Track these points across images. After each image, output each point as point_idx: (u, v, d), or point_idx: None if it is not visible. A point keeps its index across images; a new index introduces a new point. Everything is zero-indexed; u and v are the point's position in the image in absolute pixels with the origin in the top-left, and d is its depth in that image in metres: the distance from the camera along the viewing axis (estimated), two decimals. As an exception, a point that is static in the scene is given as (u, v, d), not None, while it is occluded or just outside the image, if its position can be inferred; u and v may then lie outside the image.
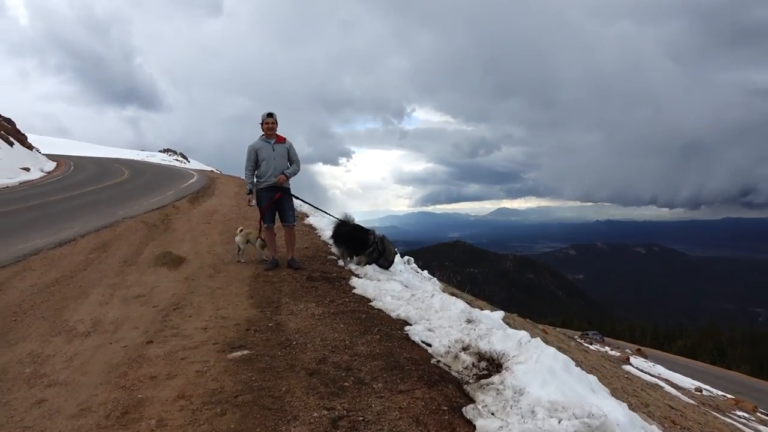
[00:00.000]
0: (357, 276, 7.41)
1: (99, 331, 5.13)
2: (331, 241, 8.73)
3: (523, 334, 4.60)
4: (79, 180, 28.68)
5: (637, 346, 41.24)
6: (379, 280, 7.19)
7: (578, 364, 11.53)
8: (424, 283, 8.88)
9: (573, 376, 4.03)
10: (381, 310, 5.87)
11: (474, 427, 3.41)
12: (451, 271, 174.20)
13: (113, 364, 4.26)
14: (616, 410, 3.45)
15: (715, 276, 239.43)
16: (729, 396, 22.75)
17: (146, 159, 70.83)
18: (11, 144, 40.20)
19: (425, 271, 14.31)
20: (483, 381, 4.18)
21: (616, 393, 11.83)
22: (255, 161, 7.73)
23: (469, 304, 12.59)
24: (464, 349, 4.73)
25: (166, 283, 6.98)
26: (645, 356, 31.67)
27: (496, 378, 4.14)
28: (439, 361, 4.54)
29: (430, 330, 5.18)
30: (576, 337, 27.99)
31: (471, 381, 4.25)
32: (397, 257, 9.01)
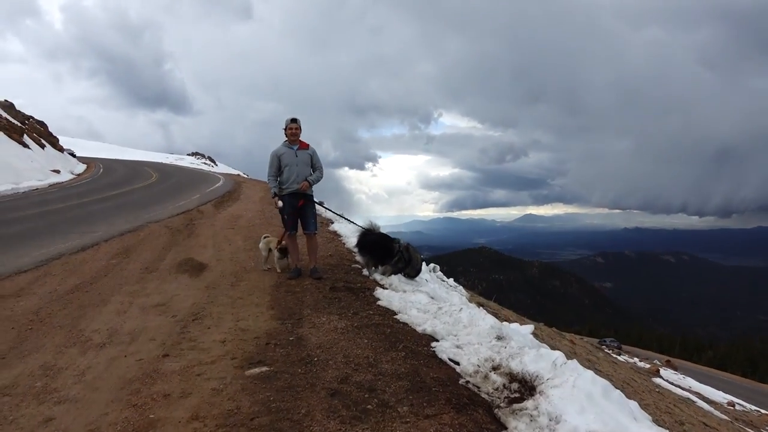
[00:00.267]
0: (382, 287, 7.16)
1: (114, 342, 4.97)
2: (355, 250, 8.50)
3: (557, 355, 4.31)
4: (107, 183, 29.00)
5: (666, 357, 40.45)
6: (404, 291, 6.95)
7: (608, 378, 11.18)
8: (450, 294, 8.59)
9: (613, 402, 3.74)
10: (406, 324, 5.61)
11: (507, 458, 3.16)
12: (476, 278, 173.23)
13: (126, 380, 4.08)
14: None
15: (746, 286, 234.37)
16: (763, 411, 22.05)
17: (175, 162, 71.69)
18: (43, 146, 40.87)
19: (451, 279, 14.03)
20: (515, 406, 3.91)
21: (648, 409, 11.42)
22: (278, 167, 7.59)
23: (495, 313, 12.31)
24: (494, 368, 4.46)
25: (187, 291, 6.83)
26: (675, 368, 30.98)
27: (529, 403, 3.87)
28: (468, 382, 4.28)
29: (457, 347, 4.92)
30: (594, 343, 27.39)
31: (502, 405, 3.99)
32: (423, 266, 8.75)
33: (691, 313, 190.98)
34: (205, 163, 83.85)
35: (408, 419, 3.39)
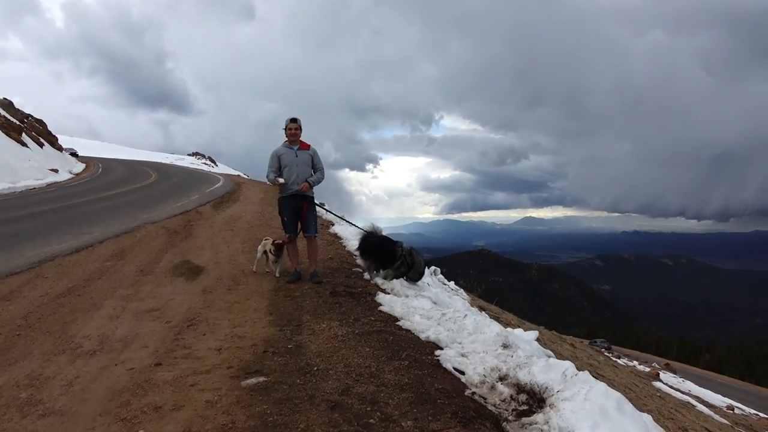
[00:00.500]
0: (383, 291, 6.97)
1: (105, 349, 4.77)
2: (356, 253, 8.31)
3: (567, 365, 4.12)
4: (106, 182, 28.80)
5: (665, 361, 40.34)
6: (407, 296, 6.76)
7: (610, 383, 11.00)
8: (453, 299, 8.42)
9: (627, 416, 3.56)
10: (409, 330, 5.41)
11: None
12: (476, 280, 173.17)
13: (116, 390, 3.87)
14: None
15: (743, 289, 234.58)
16: (762, 415, 21.95)
17: (175, 162, 71.53)
18: (41, 145, 40.68)
19: (452, 282, 13.88)
20: (524, 419, 3.73)
21: (652, 415, 11.26)
22: (278, 167, 7.42)
23: (496, 317, 12.13)
24: (501, 379, 4.28)
25: (182, 295, 6.61)
26: (674, 371, 30.86)
27: (539, 417, 3.68)
28: (474, 393, 4.09)
29: (462, 355, 4.73)
30: (585, 344, 27.27)
31: (510, 418, 3.80)
32: (425, 269, 8.56)
33: (689, 316, 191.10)
34: (205, 164, 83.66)
35: (412, 435, 3.21)
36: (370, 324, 5.50)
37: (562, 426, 3.43)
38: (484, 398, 4.06)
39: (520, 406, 3.95)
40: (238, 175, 53.49)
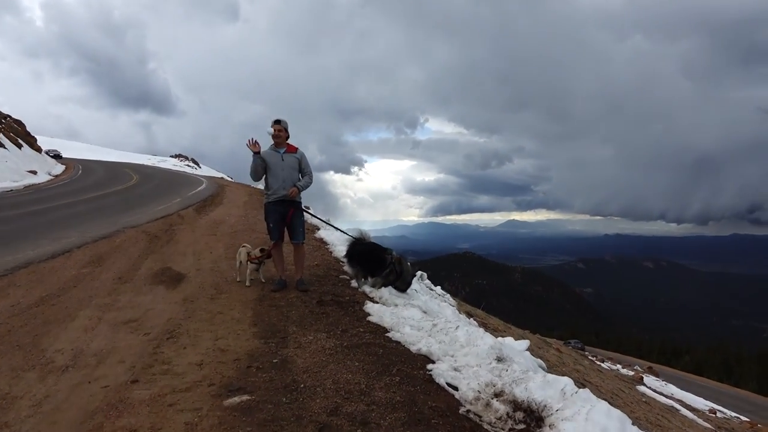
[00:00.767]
0: (372, 300, 6.75)
1: (79, 365, 4.49)
2: (344, 260, 8.06)
3: (566, 382, 3.94)
4: (86, 185, 28.30)
5: (648, 364, 40.51)
6: (396, 305, 6.54)
7: (596, 389, 10.86)
8: (443, 308, 8.20)
9: (630, 437, 3.39)
10: (399, 342, 5.20)
11: None
12: (460, 283, 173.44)
13: (88, 411, 3.61)
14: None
15: (722, 292, 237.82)
16: (744, 418, 22.09)
17: (157, 164, 70.79)
18: (20, 146, 39.96)
19: (438, 287, 13.70)
20: (523, 440, 3.54)
21: (639, 423, 11.16)
22: (263, 168, 7.16)
23: (483, 323, 11.96)
24: (497, 395, 4.08)
25: (162, 305, 6.33)
26: (656, 374, 30.96)
27: (539, 437, 3.50)
28: (468, 411, 3.89)
29: (455, 369, 4.53)
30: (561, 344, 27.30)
31: (508, 438, 3.61)
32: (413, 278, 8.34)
33: (669, 317, 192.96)
34: (188, 165, 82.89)
35: (407, 460, 3.01)
36: (358, 336, 5.28)
37: (563, 448, 3.25)
38: (480, 416, 3.87)
39: (516, 424, 3.76)
40: (222, 178, 52.99)
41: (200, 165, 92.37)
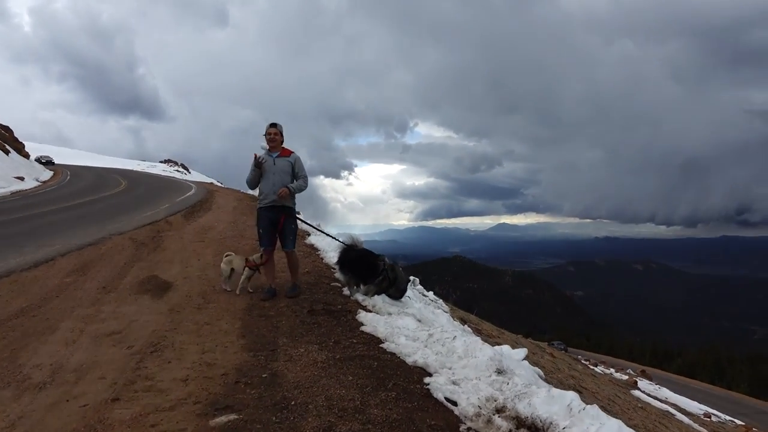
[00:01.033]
0: (365, 309, 6.53)
1: (57, 381, 4.25)
2: (335, 267, 7.85)
3: (572, 397, 3.74)
4: (74, 191, 27.95)
5: (641, 367, 40.54)
6: (389, 314, 6.33)
7: (593, 396, 10.70)
8: (438, 316, 8.00)
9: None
10: (394, 354, 4.97)
11: None
12: (451, 286, 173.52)
13: (65, 434, 3.40)
14: None
15: (712, 294, 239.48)
16: (738, 422, 22.09)
17: (146, 170, 70.32)
18: (7, 152, 39.55)
19: (431, 293, 13.51)
20: (528, 460, 3.35)
21: (638, 431, 11.00)
22: (259, 177, 7.03)
23: (477, 329, 11.77)
24: (498, 411, 3.88)
25: (147, 315, 6.08)
26: (650, 378, 30.94)
27: (544, 457, 3.31)
28: (469, 429, 3.68)
29: (454, 383, 4.32)
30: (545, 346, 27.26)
31: (511, 458, 3.42)
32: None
33: (660, 320, 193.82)
34: (177, 171, 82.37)
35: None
36: (351, 347, 5.06)
37: (570, 469, 3.06)
38: (480, 433, 3.67)
39: (520, 442, 3.57)
40: (211, 183, 52.59)
41: (190, 170, 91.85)
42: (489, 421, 3.77)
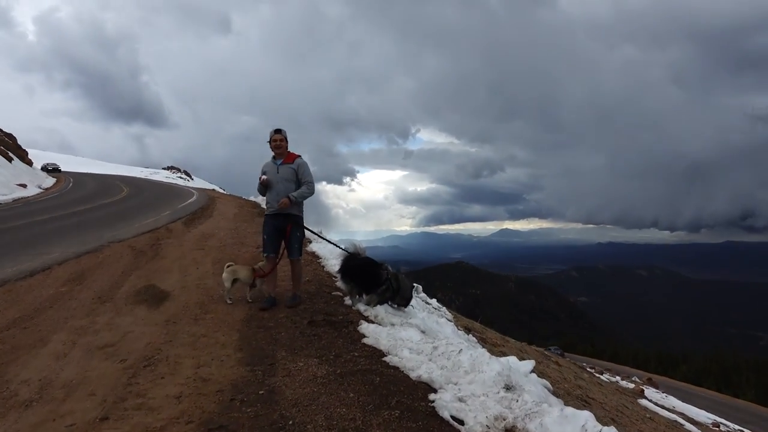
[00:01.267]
0: (366, 319, 6.33)
1: (45, 398, 4.06)
2: (337, 275, 7.64)
3: (587, 417, 3.54)
4: (75, 198, 27.83)
5: (647, 375, 40.18)
6: (392, 325, 6.13)
7: (601, 407, 10.47)
8: (442, 326, 7.80)
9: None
10: (397, 368, 4.76)
11: None
12: (453, 292, 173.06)
13: (49, 457, 3.20)
14: None
15: (716, 299, 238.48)
16: (746, 431, 21.75)
17: (149, 176, 70.44)
18: (10, 160, 39.57)
19: (434, 300, 13.32)
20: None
21: (646, 441, 10.79)
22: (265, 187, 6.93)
23: (482, 338, 11.55)
24: (508, 431, 3.68)
25: (142, 327, 5.88)
26: (656, 386, 30.62)
27: (558, 482, 3.10)
28: (476, 450, 3.49)
29: (460, 400, 4.12)
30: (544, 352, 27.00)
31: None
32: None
33: (664, 326, 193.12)
34: (180, 177, 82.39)
35: None
36: (353, 361, 4.86)
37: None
38: (489, 455, 3.47)
39: (531, 464, 3.37)
40: (213, 190, 52.48)
41: (193, 177, 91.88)
42: (498, 442, 3.58)
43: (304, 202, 6.99)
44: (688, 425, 16.49)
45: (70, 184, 38.66)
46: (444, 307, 13.66)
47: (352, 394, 4.06)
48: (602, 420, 8.97)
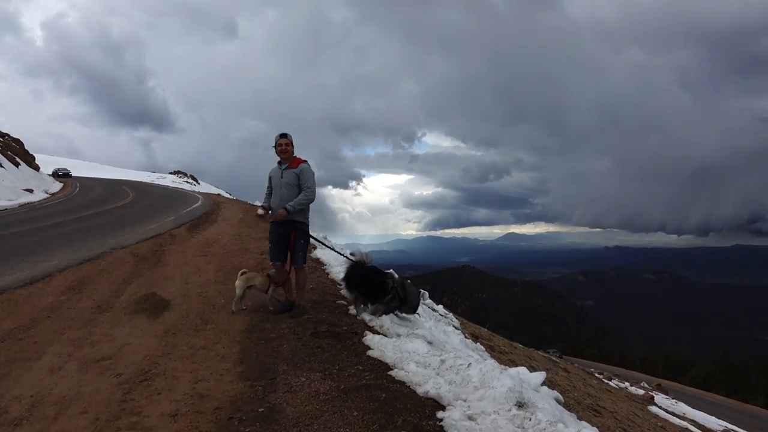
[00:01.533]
0: (371, 330, 6.13)
1: (35, 416, 3.87)
2: (342, 283, 7.46)
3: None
4: (81, 203, 27.80)
5: (656, 380, 39.84)
6: (398, 336, 5.93)
7: (612, 416, 10.24)
8: (450, 336, 7.59)
9: None
10: (404, 383, 4.56)
11: None
12: (460, 296, 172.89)
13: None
14: None
15: (725, 303, 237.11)
16: (760, 439, 21.49)
17: (156, 181, 70.63)
18: (17, 165, 39.68)
19: (440, 307, 13.13)
20: None
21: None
22: (270, 191, 6.88)
23: (490, 345, 11.34)
24: (520, 452, 3.48)
25: (140, 338, 5.69)
26: (665, 392, 30.30)
27: None
28: (488, 473, 3.29)
29: (470, 418, 3.92)
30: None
31: None
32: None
33: (672, 330, 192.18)
34: (187, 182, 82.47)
35: None
36: (357, 375, 4.66)
37: None
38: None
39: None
40: (219, 195, 52.44)
41: (199, 181, 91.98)
42: (510, 465, 3.38)
43: (310, 207, 6.82)
44: (698, 432, 16.26)
45: (77, 189, 38.70)
46: (451, 314, 13.46)
47: (356, 412, 3.87)
48: (615, 433, 8.76)
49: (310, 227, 7.01)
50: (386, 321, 6.37)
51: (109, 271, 9.41)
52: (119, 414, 3.87)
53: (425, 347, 5.44)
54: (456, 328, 10.86)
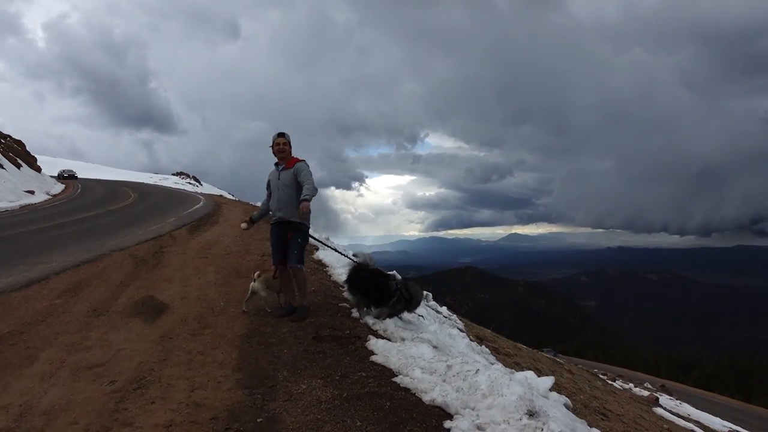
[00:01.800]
0: (375, 334, 5.94)
1: (23, 427, 3.67)
2: (344, 286, 7.28)
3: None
4: (82, 204, 27.66)
5: (660, 381, 39.62)
6: (402, 340, 5.74)
7: (619, 419, 10.04)
8: (455, 339, 7.40)
9: None
10: (409, 390, 4.37)
11: None
12: (462, 297, 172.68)
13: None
14: None
15: (727, 304, 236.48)
16: (765, 441, 21.33)
17: (158, 182, 70.63)
18: (19, 166, 39.61)
19: (444, 308, 12.95)
20: None
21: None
22: (269, 193, 6.78)
23: (495, 348, 11.15)
24: (533, 466, 3.29)
25: (136, 343, 5.50)
26: (669, 393, 30.13)
27: None
28: (499, 488, 3.10)
29: (479, 428, 3.73)
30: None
31: None
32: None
33: (675, 331, 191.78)
34: (189, 183, 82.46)
35: None
36: (360, 382, 4.47)
37: None
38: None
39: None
40: (221, 196, 52.32)
41: (201, 183, 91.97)
42: (522, 478, 3.19)
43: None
44: (704, 434, 16.10)
45: (79, 191, 38.60)
46: (455, 315, 13.28)
47: (359, 422, 3.68)
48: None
49: (312, 228, 6.84)
50: (390, 325, 6.19)
51: (107, 273, 9.22)
52: (110, 425, 3.68)
53: (431, 352, 5.25)
54: (461, 330, 10.69)
